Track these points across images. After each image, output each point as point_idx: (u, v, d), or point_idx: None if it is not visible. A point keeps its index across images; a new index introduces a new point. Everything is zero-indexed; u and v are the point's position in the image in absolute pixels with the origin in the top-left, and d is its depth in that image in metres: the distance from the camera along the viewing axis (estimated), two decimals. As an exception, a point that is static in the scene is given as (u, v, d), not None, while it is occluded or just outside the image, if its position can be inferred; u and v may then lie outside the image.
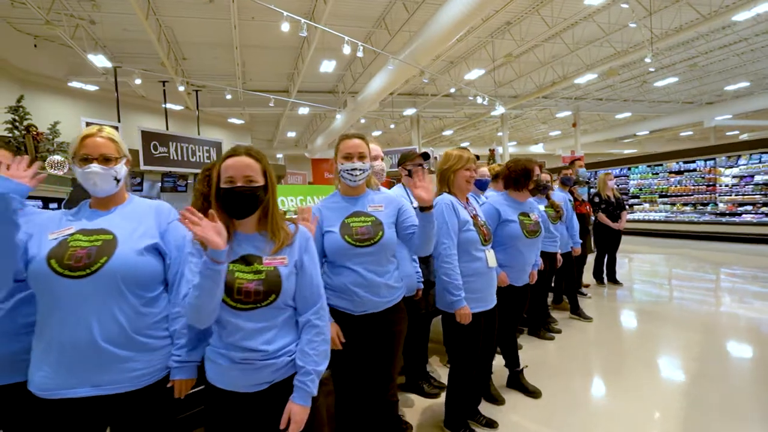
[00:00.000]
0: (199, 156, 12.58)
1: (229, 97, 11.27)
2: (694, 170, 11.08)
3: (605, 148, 26.58)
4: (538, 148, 27.07)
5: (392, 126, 18.76)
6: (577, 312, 4.43)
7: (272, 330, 1.31)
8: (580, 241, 4.49)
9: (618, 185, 13.04)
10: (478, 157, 3.30)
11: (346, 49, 7.11)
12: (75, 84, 10.72)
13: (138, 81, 9.79)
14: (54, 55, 10.38)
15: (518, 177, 2.67)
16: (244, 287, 1.27)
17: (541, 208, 3.84)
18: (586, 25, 10.85)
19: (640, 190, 12.48)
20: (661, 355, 3.51)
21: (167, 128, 11.95)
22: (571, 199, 4.71)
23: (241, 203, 1.30)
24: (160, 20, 9.49)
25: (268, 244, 1.35)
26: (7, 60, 9.55)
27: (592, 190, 5.86)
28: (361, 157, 1.87)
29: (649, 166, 12.27)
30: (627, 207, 6.32)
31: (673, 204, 11.47)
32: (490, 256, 2.19)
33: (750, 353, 3.50)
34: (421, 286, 2.54)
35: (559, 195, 4.43)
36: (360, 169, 1.86)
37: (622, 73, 14.74)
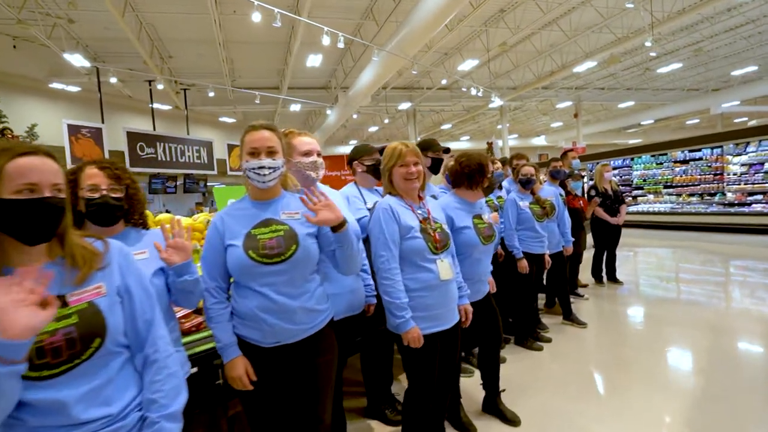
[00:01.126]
0: (189, 156, 12.32)
1: (211, 94, 10.95)
2: (701, 159, 10.60)
3: (609, 139, 25.98)
4: (540, 140, 26.57)
5: (386, 121, 18.37)
6: (570, 317, 4.06)
7: (108, 385, 0.97)
8: (572, 239, 4.12)
9: (621, 176, 12.61)
10: (447, 150, 2.95)
11: (326, 40, 6.74)
12: (56, 85, 10.44)
13: (113, 80, 9.49)
14: (35, 56, 10.08)
15: (472, 173, 2.30)
16: (47, 343, 0.89)
17: (525, 204, 3.47)
18: (584, 10, 10.38)
19: (644, 180, 12.01)
20: (665, 366, 3.13)
21: (154, 128, 11.69)
22: (563, 193, 4.33)
23: (46, 221, 0.92)
24: (140, 17, 9.17)
25: (69, 274, 0.97)
26: (-16, 62, 9.30)
27: (590, 182, 5.47)
28: (271, 153, 1.53)
29: (652, 155, 11.79)
30: (626, 200, 5.92)
31: (679, 195, 11.00)
32: (443, 266, 1.83)
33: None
34: (373, 300, 2.19)
35: (549, 189, 4.04)
36: (270, 168, 1.52)
37: (624, 61, 14.22)
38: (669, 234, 10.07)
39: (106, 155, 9.75)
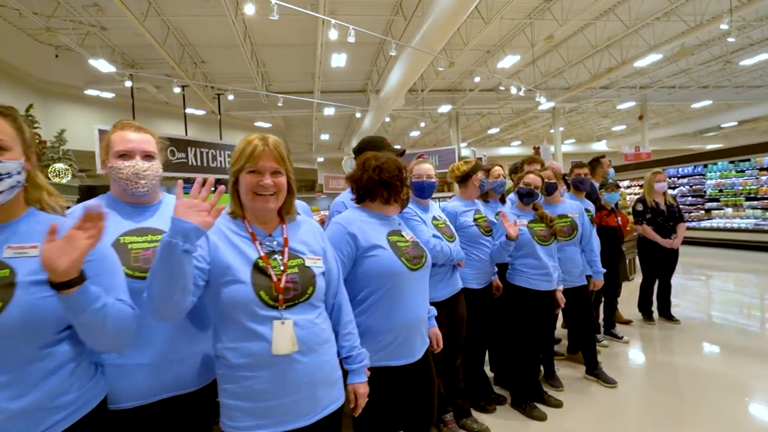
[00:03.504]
0: (220, 161, 12.28)
1: (230, 97, 10.81)
2: (795, 166, 8.81)
3: (682, 144, 23.30)
4: (600, 146, 24.48)
5: (422, 124, 17.62)
6: (594, 372, 3.08)
7: None
8: (603, 269, 3.14)
9: (691, 185, 10.93)
10: (402, 153, 2.21)
11: (333, 34, 6.17)
12: (90, 91, 10.82)
13: (128, 83, 9.61)
14: (74, 64, 10.51)
15: (373, 185, 1.56)
16: None
17: (523, 223, 2.59)
18: (645, -6, 9.04)
19: (720, 191, 10.25)
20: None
21: (186, 133, 11.80)
22: (590, 208, 3.38)
23: None
24: (166, 21, 9.17)
25: None
26: (27, 71, 9.80)
27: (633, 197, 4.41)
28: None
29: (731, 162, 10.03)
30: (685, 218, 4.74)
31: (765, 209, 9.22)
32: (282, 331, 1.09)
33: None
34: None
35: (571, 204, 3.10)
36: None
37: (698, 53, 12.39)
38: (751, 256, 8.38)
39: (138, 159, 9.94)
